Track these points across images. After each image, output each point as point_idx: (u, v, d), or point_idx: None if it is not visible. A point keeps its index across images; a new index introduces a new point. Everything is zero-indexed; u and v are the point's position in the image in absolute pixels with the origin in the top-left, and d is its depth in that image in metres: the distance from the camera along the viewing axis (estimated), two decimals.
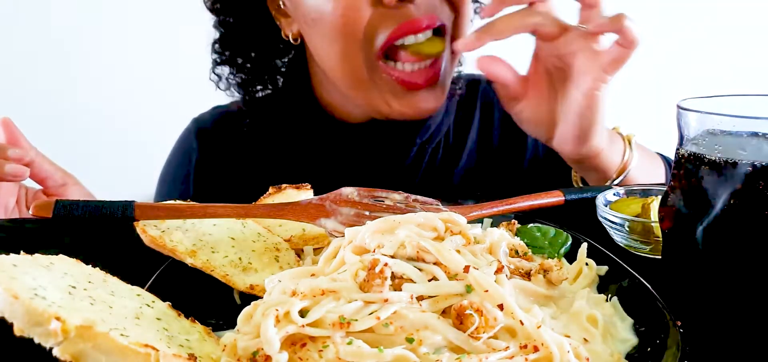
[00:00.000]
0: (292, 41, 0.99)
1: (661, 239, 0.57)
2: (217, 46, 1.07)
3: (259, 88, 1.10)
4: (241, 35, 1.05)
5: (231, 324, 0.49)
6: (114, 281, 0.50)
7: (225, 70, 1.09)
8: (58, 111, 2.13)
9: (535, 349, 0.43)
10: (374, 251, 0.52)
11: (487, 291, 0.47)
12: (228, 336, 0.46)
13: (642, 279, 0.53)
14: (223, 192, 1.09)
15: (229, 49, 1.07)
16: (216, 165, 1.11)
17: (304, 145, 1.07)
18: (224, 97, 1.18)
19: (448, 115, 1.10)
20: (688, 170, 0.51)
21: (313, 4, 0.88)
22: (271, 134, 1.10)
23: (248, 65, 1.08)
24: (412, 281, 0.49)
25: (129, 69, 2.10)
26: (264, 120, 1.11)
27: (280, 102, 1.11)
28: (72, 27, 2.10)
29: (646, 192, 0.76)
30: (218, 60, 1.08)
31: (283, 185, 0.78)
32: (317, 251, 0.66)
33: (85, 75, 2.12)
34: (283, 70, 1.10)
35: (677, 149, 0.53)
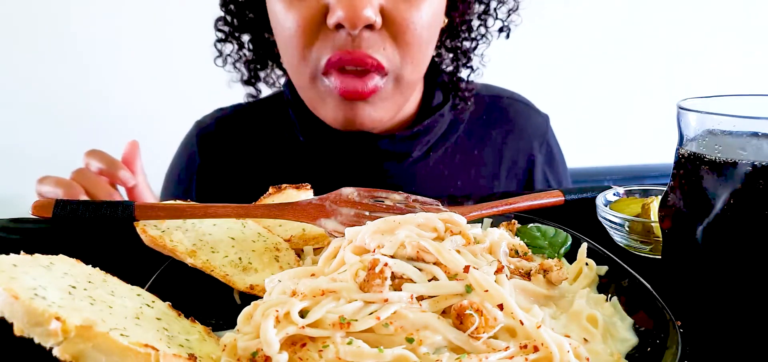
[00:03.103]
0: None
1: (661, 239, 0.57)
2: (220, 23, 1.12)
3: (261, 69, 1.14)
4: (241, 11, 1.10)
5: (231, 324, 0.49)
6: (114, 281, 0.50)
7: (227, 48, 1.13)
8: (64, 111, 2.13)
9: (535, 349, 0.43)
10: (374, 251, 0.52)
11: (487, 291, 0.47)
12: (228, 336, 0.46)
13: (642, 279, 0.53)
14: (224, 194, 1.09)
15: (230, 25, 1.11)
16: (217, 168, 1.12)
17: (302, 145, 1.07)
18: (226, 99, 1.19)
19: (457, 124, 1.10)
20: (688, 170, 0.51)
21: (273, 12, 0.93)
22: (272, 133, 1.11)
23: (251, 43, 1.12)
24: (412, 281, 0.49)
25: (133, 70, 2.10)
26: (265, 118, 1.12)
27: (280, 101, 1.12)
28: (79, 27, 2.10)
29: (646, 193, 0.76)
30: (220, 36, 1.12)
31: (283, 185, 0.78)
32: (317, 251, 0.66)
33: (90, 75, 2.12)
34: None
35: (677, 149, 0.53)
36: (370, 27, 0.85)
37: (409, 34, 0.88)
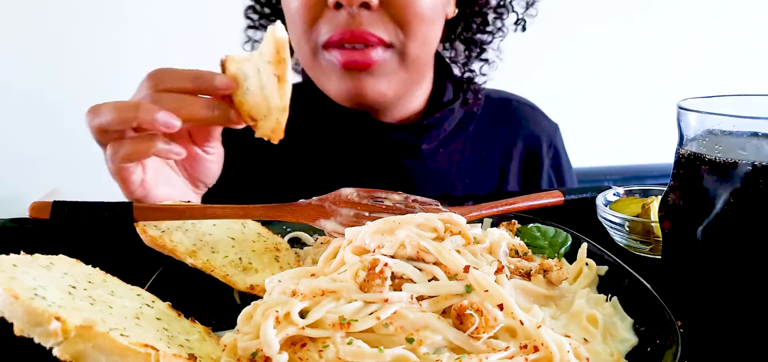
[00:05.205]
0: None
1: (661, 239, 0.57)
2: (249, 11, 1.15)
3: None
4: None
5: (231, 324, 0.49)
6: (114, 281, 0.50)
7: (257, 34, 1.16)
8: (64, 111, 2.12)
9: (535, 349, 0.43)
10: (374, 251, 0.52)
11: (487, 291, 0.47)
12: (228, 336, 0.46)
13: (642, 279, 0.53)
14: (234, 188, 1.09)
15: (258, 13, 1.14)
16: (231, 160, 1.11)
17: (316, 134, 1.07)
18: None
19: (467, 122, 1.10)
20: (688, 170, 0.51)
21: None
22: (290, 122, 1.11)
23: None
24: (412, 281, 0.49)
25: (134, 70, 2.10)
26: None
27: (299, 88, 1.12)
28: (80, 27, 2.10)
29: (646, 193, 0.76)
30: (250, 24, 1.16)
31: None
32: (316, 250, 0.66)
33: (90, 76, 2.12)
34: None
35: (677, 149, 0.53)
36: (367, 6, 0.87)
37: (408, 12, 0.90)
